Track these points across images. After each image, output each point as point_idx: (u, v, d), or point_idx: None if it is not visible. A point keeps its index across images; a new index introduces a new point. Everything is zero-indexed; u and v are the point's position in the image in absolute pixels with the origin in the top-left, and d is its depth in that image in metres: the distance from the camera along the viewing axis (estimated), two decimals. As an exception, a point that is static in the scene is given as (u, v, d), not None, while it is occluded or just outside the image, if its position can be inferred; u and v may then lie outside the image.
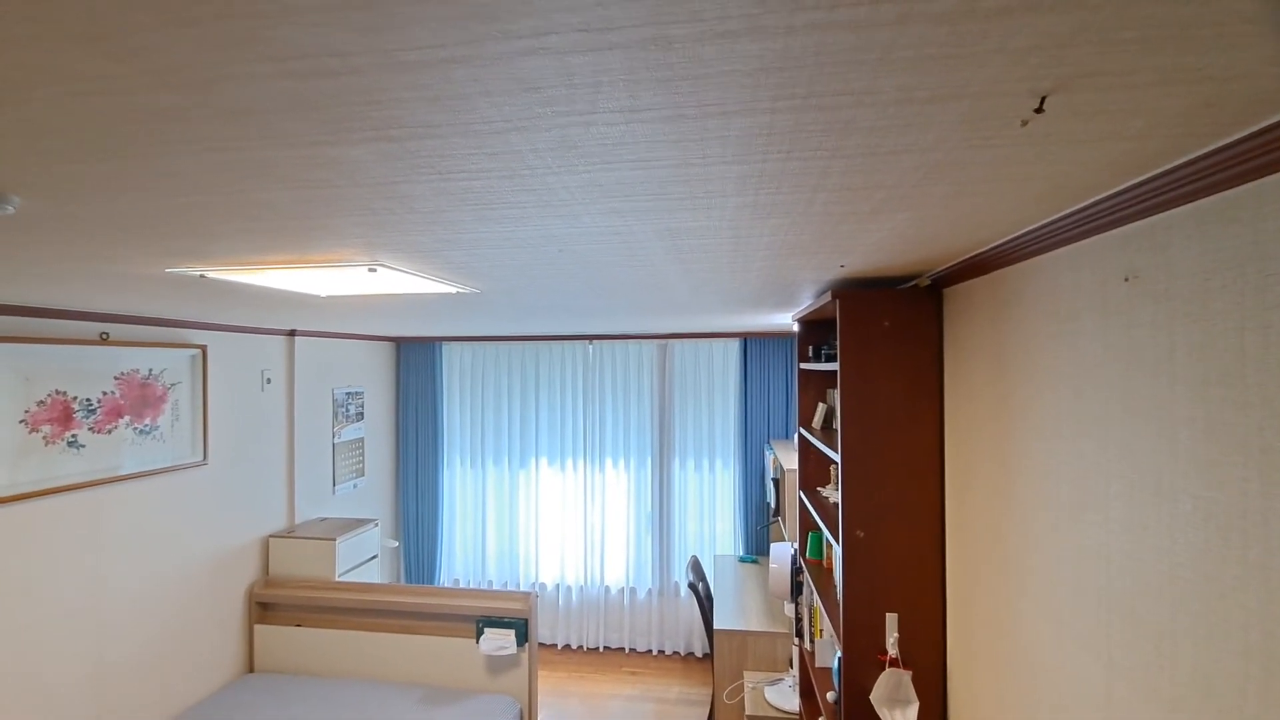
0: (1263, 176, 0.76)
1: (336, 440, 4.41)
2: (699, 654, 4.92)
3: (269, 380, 3.80)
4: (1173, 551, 0.93)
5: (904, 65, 0.57)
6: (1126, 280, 1.03)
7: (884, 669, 1.88)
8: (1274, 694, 0.76)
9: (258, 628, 3.62)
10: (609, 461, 5.04)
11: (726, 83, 0.61)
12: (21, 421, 2.46)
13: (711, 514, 4.90)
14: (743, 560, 4.58)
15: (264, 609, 3.65)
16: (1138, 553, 1.01)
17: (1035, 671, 1.36)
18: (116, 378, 2.85)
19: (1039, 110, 0.65)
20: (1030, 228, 1.24)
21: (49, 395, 2.56)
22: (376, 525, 4.09)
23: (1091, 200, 1.03)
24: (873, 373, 1.91)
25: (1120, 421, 1.05)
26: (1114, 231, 1.06)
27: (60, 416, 2.61)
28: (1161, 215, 0.95)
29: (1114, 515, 1.07)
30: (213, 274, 1.59)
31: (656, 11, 0.48)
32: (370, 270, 1.54)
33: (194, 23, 0.49)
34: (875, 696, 1.86)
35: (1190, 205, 0.89)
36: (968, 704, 1.74)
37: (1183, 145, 0.78)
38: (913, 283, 2.01)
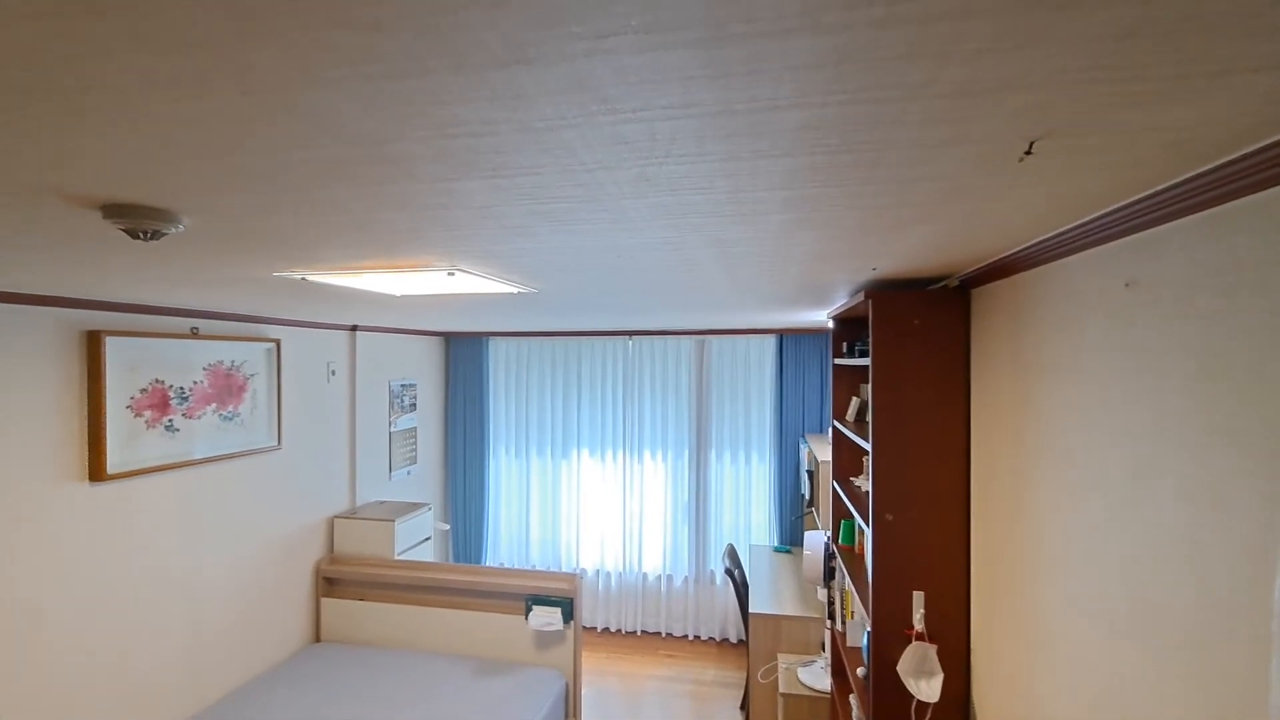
0: (1234, 200, 0.90)
1: (392, 429, 4.69)
2: (734, 640, 5.08)
3: (333, 372, 4.09)
4: (1164, 525, 1.07)
5: (916, 124, 0.73)
6: (1127, 285, 1.16)
7: (911, 643, 2.02)
8: (1253, 646, 0.90)
9: (324, 601, 3.92)
10: (647, 453, 5.22)
11: (776, 137, 0.78)
12: (128, 407, 2.75)
13: (747, 505, 5.05)
14: (777, 550, 4.72)
15: (330, 584, 3.94)
16: (1134, 526, 1.15)
17: (1049, 639, 1.49)
18: (205, 368, 3.14)
19: (1028, 153, 0.80)
20: (1041, 238, 1.37)
21: (150, 384, 2.85)
22: (430, 509, 4.36)
23: (1095, 215, 1.16)
24: (903, 368, 2.05)
25: (1121, 411, 1.18)
26: (1116, 242, 1.19)
27: (159, 403, 2.90)
28: (1156, 229, 1.08)
29: (1114, 495, 1.21)
30: (313, 277, 1.81)
31: (727, 95, 0.65)
32: (449, 274, 1.74)
33: (386, 109, 0.68)
34: (902, 668, 2.00)
35: (1178, 221, 1.02)
36: (988, 674, 1.88)
37: (1164, 173, 0.92)
38: (942, 283, 2.13)
